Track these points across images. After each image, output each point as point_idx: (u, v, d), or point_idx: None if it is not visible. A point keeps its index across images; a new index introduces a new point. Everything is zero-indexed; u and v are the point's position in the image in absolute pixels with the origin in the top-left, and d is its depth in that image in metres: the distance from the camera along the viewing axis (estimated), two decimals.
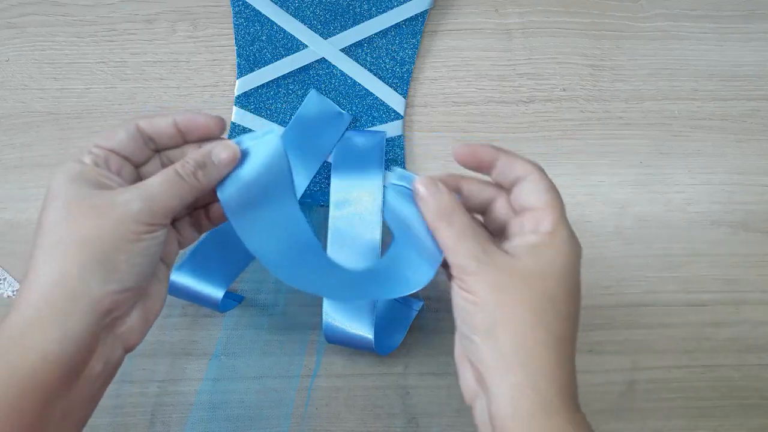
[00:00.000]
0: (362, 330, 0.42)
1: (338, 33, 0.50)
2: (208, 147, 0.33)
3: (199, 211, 0.36)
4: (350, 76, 0.50)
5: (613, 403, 0.48)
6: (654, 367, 0.48)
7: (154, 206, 0.31)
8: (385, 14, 0.50)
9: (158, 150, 0.35)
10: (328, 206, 0.45)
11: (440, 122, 0.50)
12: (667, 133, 0.51)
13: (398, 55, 0.50)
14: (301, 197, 0.46)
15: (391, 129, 0.49)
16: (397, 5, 0.50)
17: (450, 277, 0.32)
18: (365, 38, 0.50)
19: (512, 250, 0.32)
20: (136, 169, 0.34)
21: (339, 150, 0.46)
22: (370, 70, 0.50)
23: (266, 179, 0.34)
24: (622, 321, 0.49)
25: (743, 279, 0.49)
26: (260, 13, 0.49)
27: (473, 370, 0.32)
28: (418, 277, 0.34)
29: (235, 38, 0.50)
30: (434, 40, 0.52)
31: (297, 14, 0.50)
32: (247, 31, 0.50)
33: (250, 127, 0.49)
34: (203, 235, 0.42)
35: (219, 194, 0.33)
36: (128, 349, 0.33)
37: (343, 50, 0.50)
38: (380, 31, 0.50)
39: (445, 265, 0.33)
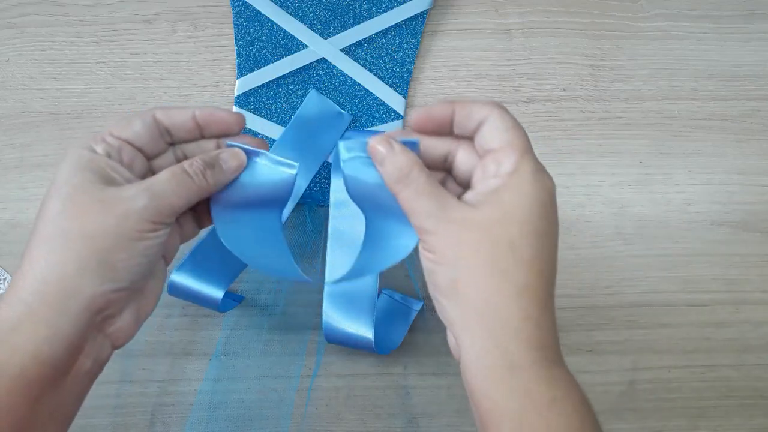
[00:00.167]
0: (362, 330, 0.42)
1: (338, 33, 0.50)
2: (216, 152, 0.34)
3: (201, 205, 0.36)
4: (350, 76, 0.50)
5: (613, 403, 0.48)
6: (654, 367, 0.48)
7: (159, 204, 0.30)
8: (385, 14, 0.50)
9: (173, 143, 0.34)
10: (328, 206, 0.45)
11: None
12: (667, 133, 0.51)
13: (398, 55, 0.50)
14: (301, 197, 0.46)
15: (391, 129, 0.49)
16: (397, 5, 0.50)
17: None
18: (365, 38, 0.50)
19: (474, 200, 0.30)
20: (148, 162, 0.34)
21: None
22: (370, 70, 0.50)
23: (261, 194, 0.35)
24: (622, 321, 0.49)
25: (743, 279, 0.49)
26: (260, 13, 0.49)
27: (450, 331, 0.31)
28: (404, 243, 0.33)
29: (235, 38, 0.50)
30: (434, 40, 0.52)
31: (297, 14, 0.50)
32: (247, 31, 0.50)
33: (250, 128, 0.49)
34: (203, 236, 0.42)
35: (211, 199, 0.34)
36: (117, 347, 0.32)
37: (343, 50, 0.50)
38: (380, 31, 0.50)
39: None
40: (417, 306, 0.47)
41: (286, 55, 0.49)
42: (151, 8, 0.51)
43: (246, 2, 0.49)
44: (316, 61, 0.50)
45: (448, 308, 0.30)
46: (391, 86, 0.50)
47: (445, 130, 0.32)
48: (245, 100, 0.49)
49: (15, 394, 0.28)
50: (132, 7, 0.51)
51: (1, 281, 0.47)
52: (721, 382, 0.48)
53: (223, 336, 0.47)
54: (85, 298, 0.29)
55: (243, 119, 0.34)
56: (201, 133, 0.34)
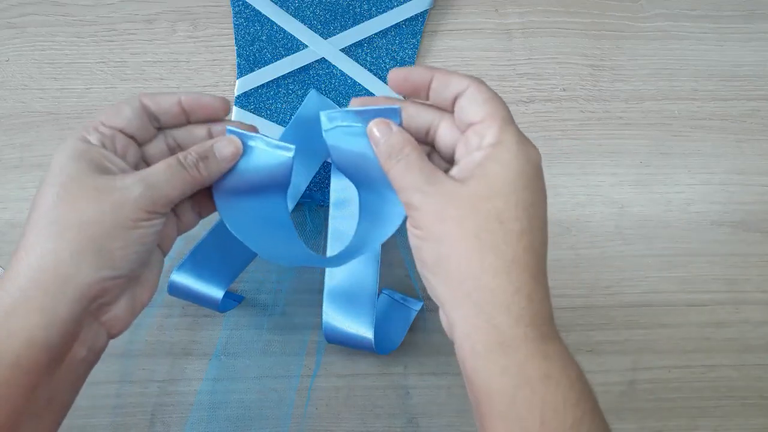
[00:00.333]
0: (362, 330, 0.42)
1: (338, 33, 0.50)
2: (210, 141, 0.34)
3: (199, 194, 0.35)
4: (350, 76, 0.50)
5: (613, 403, 0.48)
6: (654, 367, 0.48)
7: (154, 194, 0.31)
8: (385, 14, 0.50)
9: (162, 128, 0.34)
10: (328, 206, 0.45)
11: None
12: (667, 133, 0.51)
13: (398, 55, 0.50)
14: (301, 197, 0.46)
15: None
16: (397, 5, 0.50)
17: None
18: (365, 38, 0.50)
19: (459, 174, 0.30)
20: (140, 149, 0.34)
21: None
22: (370, 70, 0.50)
23: (262, 177, 0.35)
24: (622, 321, 0.49)
25: (743, 279, 0.49)
26: (260, 13, 0.49)
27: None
28: (396, 211, 0.33)
29: (235, 38, 0.50)
30: (434, 40, 0.52)
31: (297, 14, 0.50)
32: (247, 31, 0.50)
33: None
34: (203, 236, 0.42)
35: (213, 188, 0.34)
36: (112, 336, 0.32)
37: (343, 50, 0.50)
38: (380, 31, 0.50)
39: None
40: (417, 306, 0.47)
41: (286, 55, 0.49)
42: (151, 8, 0.51)
43: (246, 2, 0.49)
44: (316, 61, 0.50)
45: (436, 285, 0.30)
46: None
47: (420, 95, 0.32)
48: (245, 100, 0.49)
49: (10, 381, 0.28)
50: (132, 7, 0.51)
51: None
52: (721, 382, 0.48)
53: (223, 336, 0.47)
54: (80, 285, 0.29)
55: (228, 104, 0.34)
56: (187, 118, 0.34)
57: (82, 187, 0.29)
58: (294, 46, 0.50)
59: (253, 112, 0.49)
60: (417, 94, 0.32)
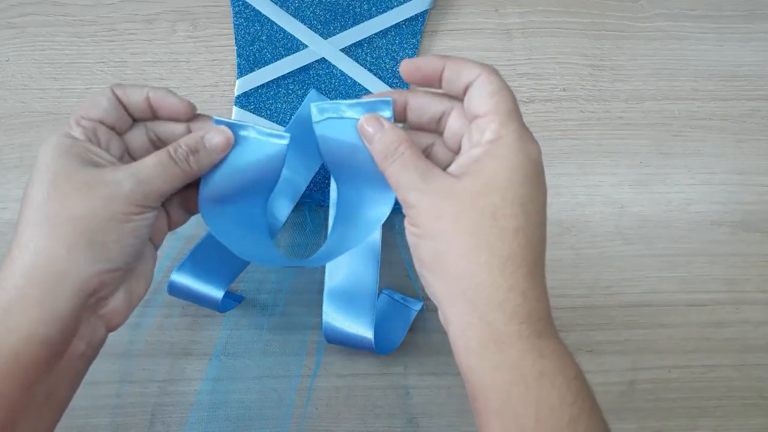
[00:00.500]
0: (362, 330, 0.42)
1: (338, 33, 0.50)
2: (200, 132, 0.33)
3: (188, 191, 0.36)
4: (350, 76, 0.50)
5: (613, 403, 0.48)
6: (654, 367, 0.48)
7: (145, 189, 0.31)
8: (385, 14, 0.50)
9: (136, 119, 0.34)
10: (328, 206, 0.45)
11: None
12: (667, 133, 0.51)
13: (398, 55, 0.50)
14: (301, 197, 0.46)
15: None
16: (397, 5, 0.50)
17: None
18: (365, 38, 0.50)
19: (456, 170, 0.30)
20: (122, 139, 0.33)
21: None
22: (370, 70, 0.50)
23: (251, 176, 0.34)
24: (622, 321, 0.49)
25: (743, 279, 0.49)
26: (260, 13, 0.49)
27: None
28: (377, 212, 0.33)
29: (235, 38, 0.50)
30: (434, 40, 0.52)
31: (297, 14, 0.50)
32: (247, 31, 0.50)
33: None
34: (203, 236, 0.42)
35: (202, 177, 0.34)
36: (111, 329, 0.32)
37: (343, 50, 0.50)
38: (380, 31, 0.50)
39: None
40: (417, 306, 0.47)
41: (286, 55, 0.49)
42: (151, 8, 0.51)
43: (246, 2, 0.49)
44: (316, 61, 0.50)
45: (432, 283, 0.30)
46: (391, 86, 0.50)
47: (433, 84, 0.32)
48: (245, 100, 0.49)
49: (9, 377, 0.28)
50: (132, 7, 0.51)
51: None
52: (721, 382, 0.48)
53: (223, 336, 0.47)
54: (77, 279, 0.29)
55: (192, 110, 0.34)
56: (154, 114, 0.34)
57: (71, 183, 0.29)
58: (294, 46, 0.50)
59: (253, 112, 0.49)
60: (430, 84, 0.32)
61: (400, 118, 0.34)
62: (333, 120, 0.33)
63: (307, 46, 0.50)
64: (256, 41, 0.50)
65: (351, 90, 0.50)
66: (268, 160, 0.34)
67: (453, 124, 0.32)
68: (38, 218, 0.29)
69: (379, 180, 0.32)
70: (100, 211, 0.29)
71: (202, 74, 0.50)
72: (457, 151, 0.32)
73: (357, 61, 0.50)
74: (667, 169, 0.50)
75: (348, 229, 0.35)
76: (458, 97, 0.32)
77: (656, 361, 0.48)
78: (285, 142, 0.34)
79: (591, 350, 0.48)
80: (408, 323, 0.46)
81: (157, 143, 0.35)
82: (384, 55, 0.50)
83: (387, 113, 0.33)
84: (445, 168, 0.31)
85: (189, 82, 0.50)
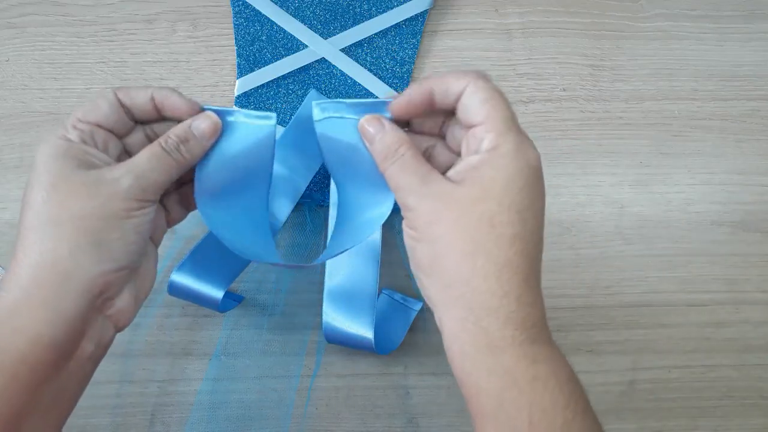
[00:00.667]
0: (362, 330, 0.42)
1: (338, 33, 0.50)
2: (188, 121, 0.33)
3: (186, 187, 0.36)
4: (350, 76, 0.50)
5: (613, 403, 0.48)
6: (654, 367, 0.48)
7: (143, 183, 0.31)
8: (385, 14, 0.50)
9: (137, 121, 0.34)
10: (328, 206, 0.45)
11: None
12: (667, 133, 0.51)
13: (398, 55, 0.50)
14: (301, 197, 0.46)
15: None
16: (397, 5, 0.50)
17: None
18: (365, 38, 0.50)
19: (455, 176, 0.30)
20: (120, 141, 0.33)
21: None
22: (370, 70, 0.50)
23: (245, 163, 0.34)
24: (622, 321, 0.49)
25: (743, 279, 0.49)
26: (260, 13, 0.49)
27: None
28: (378, 213, 0.33)
29: (235, 38, 0.50)
30: (434, 40, 0.52)
31: (297, 14, 0.50)
32: (247, 31, 0.50)
33: None
34: (203, 236, 0.42)
35: (197, 168, 0.34)
36: (119, 329, 0.32)
37: (343, 50, 0.50)
38: (380, 31, 0.50)
39: None
40: (417, 306, 0.47)
41: (286, 55, 0.49)
42: (151, 8, 0.51)
43: (246, 2, 0.49)
44: (316, 61, 0.50)
45: (428, 287, 0.30)
46: (391, 86, 0.50)
47: (430, 109, 0.32)
48: (245, 100, 0.49)
49: (16, 379, 0.27)
50: (132, 7, 0.51)
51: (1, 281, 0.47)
52: (721, 382, 0.48)
53: (223, 336, 0.47)
54: (83, 280, 0.29)
55: (196, 109, 0.34)
56: (159, 114, 0.34)
57: (70, 184, 0.29)
58: (294, 46, 0.50)
59: None
60: (427, 110, 0.32)
61: (402, 122, 0.34)
62: (334, 119, 0.33)
63: (307, 46, 0.50)
64: (256, 41, 0.50)
65: (351, 90, 0.50)
66: (259, 143, 0.34)
67: (455, 128, 0.32)
68: (40, 220, 0.29)
69: (379, 180, 0.32)
70: (101, 211, 0.29)
71: (202, 74, 0.50)
72: (459, 153, 0.32)
73: (357, 61, 0.50)
74: (667, 169, 0.50)
75: (347, 229, 0.35)
76: (454, 111, 0.32)
77: (656, 361, 0.48)
78: (272, 122, 0.34)
79: (591, 350, 0.48)
80: (408, 323, 0.46)
81: (154, 139, 0.35)
82: (384, 55, 0.50)
83: (388, 114, 0.33)
84: (445, 170, 0.31)
85: (189, 82, 0.50)
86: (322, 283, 0.43)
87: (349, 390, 0.47)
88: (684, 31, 0.52)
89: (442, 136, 0.34)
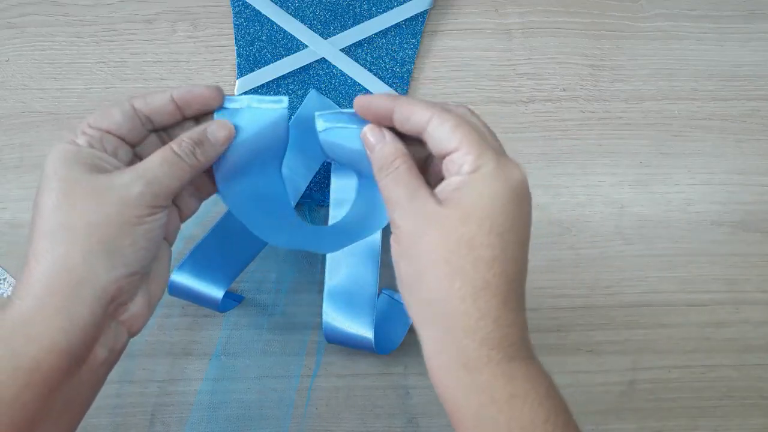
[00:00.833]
0: (362, 330, 0.42)
1: (338, 33, 0.50)
2: (202, 125, 0.33)
3: (197, 178, 0.35)
4: (350, 76, 0.50)
5: (613, 403, 0.48)
6: (654, 367, 0.48)
7: (155, 189, 0.30)
8: (385, 14, 0.50)
9: (155, 129, 0.34)
10: (328, 206, 0.45)
11: None
12: (667, 133, 0.51)
13: (398, 55, 0.50)
14: (301, 197, 0.46)
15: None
16: (397, 5, 0.50)
17: None
18: (365, 38, 0.50)
19: (441, 194, 0.30)
20: (132, 149, 0.33)
21: None
22: (370, 70, 0.50)
23: (260, 145, 0.35)
24: (622, 321, 0.49)
25: (743, 279, 0.49)
26: (260, 13, 0.49)
27: None
28: (380, 218, 0.34)
29: (235, 38, 0.50)
30: (434, 40, 0.52)
31: (297, 14, 0.50)
32: (247, 31, 0.50)
33: None
34: (203, 236, 0.42)
35: (213, 167, 0.34)
36: (133, 334, 0.32)
37: (343, 50, 0.50)
38: (380, 31, 0.50)
39: None
40: None
41: (286, 55, 0.49)
42: (151, 8, 0.51)
43: (246, 2, 0.49)
44: (316, 61, 0.50)
45: (409, 302, 0.30)
46: (391, 86, 0.50)
47: (385, 122, 0.32)
48: None
49: (30, 387, 0.27)
50: (132, 7, 0.51)
51: (1, 281, 0.47)
52: (721, 382, 0.48)
53: (223, 336, 0.47)
54: (96, 287, 0.29)
55: (221, 92, 0.34)
56: (182, 113, 0.34)
57: (81, 189, 0.29)
58: (294, 46, 0.50)
59: None
60: (380, 122, 0.32)
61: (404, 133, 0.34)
62: (337, 129, 0.34)
63: (307, 46, 0.50)
64: (256, 41, 0.50)
65: (351, 90, 0.50)
66: (273, 126, 0.35)
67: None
68: (52, 227, 0.29)
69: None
70: (113, 217, 0.29)
71: (202, 74, 0.50)
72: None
73: (357, 61, 0.50)
74: (667, 169, 0.50)
75: (367, 213, 0.35)
76: (415, 137, 0.32)
77: (656, 361, 0.48)
78: (284, 105, 0.34)
79: (591, 350, 0.48)
80: (408, 323, 0.46)
81: (167, 142, 0.34)
82: (384, 55, 0.50)
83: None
84: (440, 180, 0.31)
85: (189, 82, 0.50)
86: (322, 283, 0.43)
87: (349, 390, 0.47)
88: (684, 31, 0.52)
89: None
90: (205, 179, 0.35)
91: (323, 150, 0.35)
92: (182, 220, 0.36)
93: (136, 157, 0.33)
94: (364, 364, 0.47)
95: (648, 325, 0.49)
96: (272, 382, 0.46)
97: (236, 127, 0.34)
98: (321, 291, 0.43)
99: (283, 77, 0.49)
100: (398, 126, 0.32)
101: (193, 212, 0.36)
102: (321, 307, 0.43)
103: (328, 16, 0.50)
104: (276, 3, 0.50)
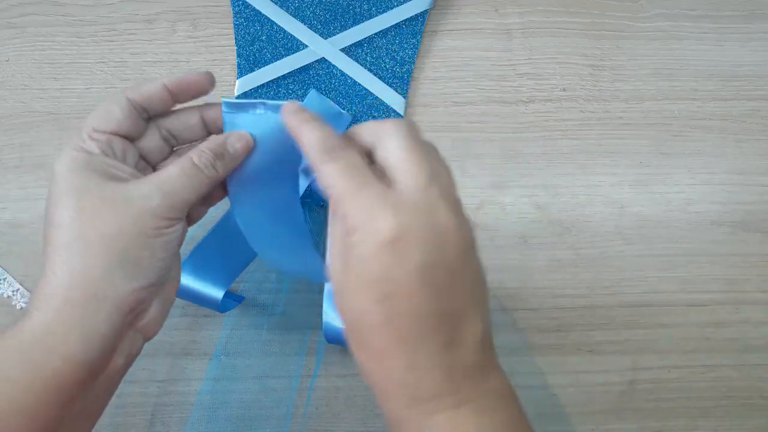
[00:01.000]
0: None
1: (338, 33, 0.50)
2: (222, 136, 0.33)
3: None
4: (350, 76, 0.50)
5: (613, 403, 0.48)
6: (654, 367, 0.48)
7: (173, 200, 0.30)
8: (385, 14, 0.50)
9: (150, 117, 0.34)
10: (327, 206, 0.45)
11: (440, 122, 0.50)
12: (667, 133, 0.51)
13: (398, 55, 0.50)
14: (301, 197, 0.46)
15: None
16: (397, 5, 0.50)
17: None
18: (365, 38, 0.50)
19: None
20: (136, 147, 0.33)
21: None
22: (370, 70, 0.50)
23: (272, 150, 0.35)
24: (622, 321, 0.49)
25: (743, 279, 0.49)
26: (260, 13, 0.49)
27: None
28: None
29: (235, 38, 0.50)
30: (434, 40, 0.52)
31: (297, 14, 0.50)
32: (247, 31, 0.50)
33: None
34: (203, 236, 0.42)
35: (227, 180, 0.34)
36: (148, 338, 0.32)
37: (343, 50, 0.50)
38: (380, 31, 0.50)
39: None
40: None
41: (286, 55, 0.49)
42: (151, 8, 0.51)
43: (246, 2, 0.49)
44: (316, 61, 0.50)
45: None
46: (391, 86, 0.50)
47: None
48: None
49: (48, 398, 0.27)
50: (132, 7, 0.51)
51: (1, 281, 0.47)
52: (721, 382, 0.48)
53: (223, 336, 0.47)
54: (115, 298, 0.29)
55: (212, 76, 0.34)
56: (175, 100, 0.33)
57: (97, 200, 0.29)
58: (294, 46, 0.50)
59: None
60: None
61: None
62: (245, 115, 0.34)
63: (307, 46, 0.50)
64: (256, 41, 0.50)
65: (351, 90, 0.50)
66: (283, 130, 0.34)
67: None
68: (68, 239, 0.28)
69: None
70: (130, 229, 0.29)
71: None
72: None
73: (357, 61, 0.50)
74: (667, 169, 0.50)
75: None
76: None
77: (656, 361, 0.48)
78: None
79: (591, 350, 0.48)
80: None
81: (171, 140, 0.35)
82: (384, 55, 0.50)
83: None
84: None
85: None
86: (322, 283, 0.43)
87: (349, 390, 0.47)
88: (684, 31, 0.52)
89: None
90: (216, 186, 0.36)
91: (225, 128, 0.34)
92: (190, 224, 0.36)
93: (141, 159, 0.34)
94: None
95: (648, 325, 0.49)
96: (272, 382, 0.46)
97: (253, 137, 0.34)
98: (321, 291, 0.43)
99: (283, 77, 0.49)
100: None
101: (201, 218, 0.36)
102: (321, 307, 0.43)
103: (328, 16, 0.50)
104: (276, 3, 0.50)
